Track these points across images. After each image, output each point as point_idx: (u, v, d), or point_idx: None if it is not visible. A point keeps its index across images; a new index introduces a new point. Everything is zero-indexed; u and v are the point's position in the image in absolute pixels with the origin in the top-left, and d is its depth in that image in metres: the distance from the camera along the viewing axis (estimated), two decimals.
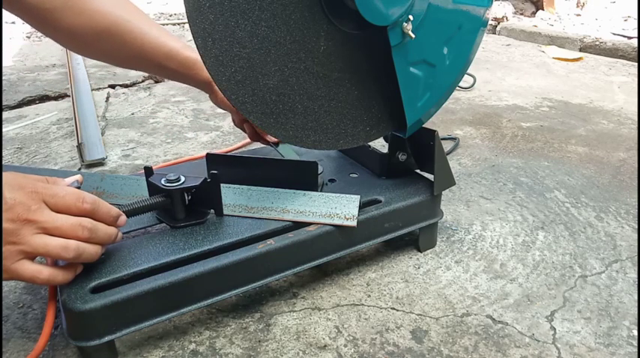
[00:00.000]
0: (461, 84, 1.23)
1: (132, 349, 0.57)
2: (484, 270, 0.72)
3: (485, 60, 2.14)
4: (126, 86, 1.67)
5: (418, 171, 0.76)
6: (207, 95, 0.85)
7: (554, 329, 0.61)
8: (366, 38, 0.60)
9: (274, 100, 0.57)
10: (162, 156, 1.10)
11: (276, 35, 0.54)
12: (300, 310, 0.64)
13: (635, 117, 1.40)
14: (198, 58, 0.73)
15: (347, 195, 0.66)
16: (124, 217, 0.55)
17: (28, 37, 2.58)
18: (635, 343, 0.59)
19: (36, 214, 0.46)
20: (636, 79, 1.85)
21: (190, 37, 0.50)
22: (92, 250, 0.50)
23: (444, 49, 0.64)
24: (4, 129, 1.26)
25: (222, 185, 0.62)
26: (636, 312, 0.64)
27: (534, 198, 0.93)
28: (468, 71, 0.74)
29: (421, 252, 0.76)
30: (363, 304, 0.65)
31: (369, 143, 0.73)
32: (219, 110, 1.39)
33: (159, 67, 0.75)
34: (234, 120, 0.89)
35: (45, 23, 0.68)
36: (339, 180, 0.74)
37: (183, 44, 0.76)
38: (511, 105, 1.51)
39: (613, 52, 2.24)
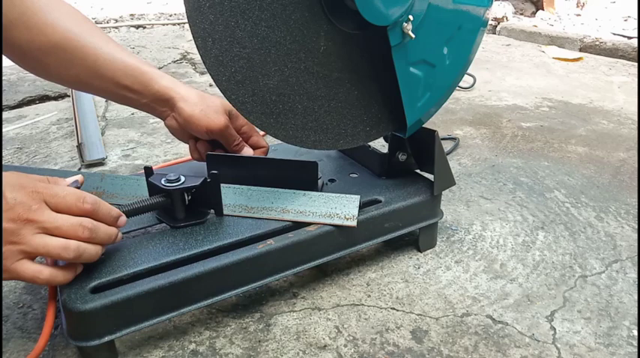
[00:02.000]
0: (461, 84, 1.23)
1: (132, 349, 0.57)
2: (484, 270, 0.72)
3: (486, 60, 2.14)
4: None
5: (418, 171, 0.76)
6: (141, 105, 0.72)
7: (554, 329, 0.61)
8: (366, 38, 0.60)
9: (274, 100, 0.57)
10: (162, 156, 1.10)
11: (276, 35, 0.54)
12: (300, 310, 0.64)
13: (635, 117, 1.40)
14: (155, 71, 0.69)
15: (347, 195, 0.66)
16: (124, 218, 0.55)
17: None
18: (635, 343, 0.59)
19: (36, 214, 0.46)
20: (636, 79, 1.85)
21: (190, 37, 0.50)
22: (92, 250, 0.50)
23: (444, 49, 0.64)
24: (4, 129, 1.26)
25: (222, 185, 0.62)
26: (636, 312, 0.64)
27: (534, 198, 0.93)
28: (468, 71, 0.74)
29: (421, 252, 0.76)
30: (363, 304, 0.65)
31: (369, 143, 0.73)
32: None
33: (114, 84, 0.68)
34: (191, 149, 0.75)
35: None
36: (339, 180, 0.74)
37: (140, 60, 0.70)
38: (511, 105, 1.51)
39: (613, 52, 2.24)
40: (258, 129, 0.69)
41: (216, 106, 0.70)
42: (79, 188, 0.52)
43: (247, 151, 0.74)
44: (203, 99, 0.70)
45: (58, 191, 0.48)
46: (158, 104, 0.71)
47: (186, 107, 0.69)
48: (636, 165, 1.08)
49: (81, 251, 0.48)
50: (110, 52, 0.67)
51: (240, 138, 0.73)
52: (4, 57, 0.67)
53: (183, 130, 0.72)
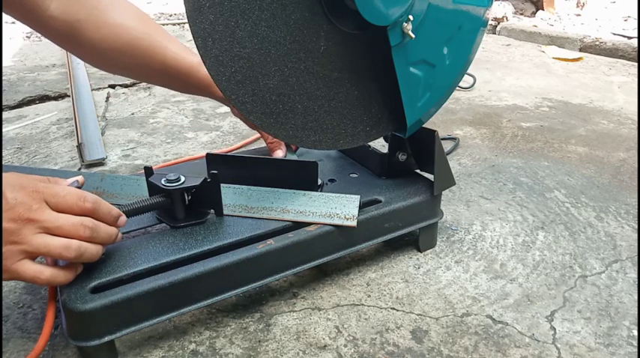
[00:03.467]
0: (461, 84, 1.23)
1: (132, 349, 0.57)
2: (484, 270, 0.72)
3: (486, 60, 2.14)
4: (126, 86, 1.67)
5: (418, 171, 0.76)
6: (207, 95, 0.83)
7: (554, 329, 0.61)
8: (366, 38, 0.60)
9: (274, 100, 0.57)
10: (162, 156, 1.10)
11: (276, 35, 0.54)
12: (300, 310, 0.64)
13: (635, 117, 1.40)
14: None
15: (347, 195, 0.66)
16: (124, 217, 0.55)
17: (28, 37, 2.58)
18: (635, 343, 0.59)
19: (37, 213, 0.46)
20: (636, 79, 1.85)
21: (190, 37, 0.50)
22: (93, 250, 0.50)
23: (444, 49, 0.64)
24: (4, 129, 1.26)
25: (222, 185, 0.62)
26: (636, 312, 0.64)
27: (534, 198, 0.93)
28: (468, 71, 0.74)
29: (421, 252, 0.76)
30: (363, 304, 0.65)
31: (369, 143, 0.73)
32: (220, 110, 1.40)
33: (180, 82, 0.75)
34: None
35: (67, 37, 0.67)
36: (339, 180, 0.74)
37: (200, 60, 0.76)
38: (511, 105, 1.51)
39: (613, 52, 2.24)
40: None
41: None
42: (79, 188, 0.52)
43: (279, 153, 0.79)
44: None
45: (58, 190, 0.48)
46: (221, 101, 0.81)
47: None
48: (636, 165, 1.08)
49: (82, 250, 0.48)
50: (175, 51, 0.73)
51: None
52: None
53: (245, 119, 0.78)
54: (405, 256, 0.75)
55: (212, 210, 0.64)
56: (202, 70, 0.74)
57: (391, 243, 0.76)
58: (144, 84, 1.69)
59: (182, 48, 0.74)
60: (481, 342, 0.59)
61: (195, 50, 0.52)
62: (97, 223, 0.50)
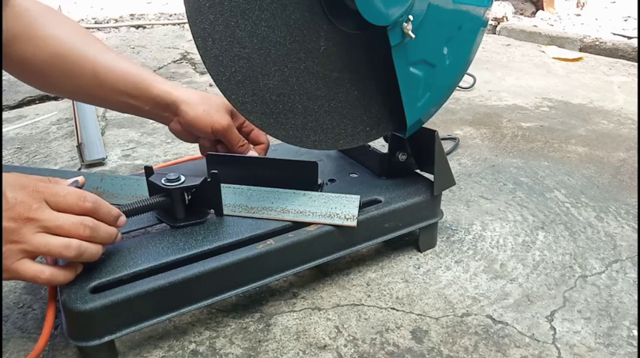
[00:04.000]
0: (461, 84, 1.23)
1: (132, 349, 0.57)
2: (484, 270, 0.72)
3: (486, 60, 2.14)
4: None
5: (418, 171, 0.76)
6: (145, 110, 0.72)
7: (554, 329, 0.61)
8: (366, 38, 0.60)
9: (274, 100, 0.57)
10: (162, 156, 1.10)
11: (276, 35, 0.54)
12: (300, 310, 0.64)
13: (635, 117, 1.40)
14: (155, 77, 0.70)
15: (347, 195, 0.66)
16: (123, 217, 0.54)
17: None
18: (635, 343, 0.59)
19: (37, 213, 0.46)
20: (636, 79, 1.85)
21: (190, 37, 0.50)
22: (93, 249, 0.50)
23: (444, 49, 0.64)
24: (4, 129, 1.26)
25: (222, 185, 0.62)
26: (636, 312, 0.64)
27: (534, 198, 0.93)
28: (468, 71, 0.74)
29: (421, 252, 0.76)
30: (363, 304, 0.65)
31: (369, 143, 0.73)
32: None
33: (114, 92, 0.68)
34: (202, 147, 0.75)
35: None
36: (339, 180, 0.74)
37: (139, 67, 0.71)
38: (511, 105, 1.51)
39: (613, 52, 2.24)
40: None
41: (217, 105, 0.70)
42: (80, 188, 0.52)
43: (252, 153, 0.75)
44: (204, 99, 0.70)
45: (58, 190, 0.48)
46: (160, 109, 0.70)
47: (188, 109, 0.69)
48: (636, 165, 1.08)
49: (82, 250, 0.48)
50: (108, 59, 0.68)
51: (245, 140, 0.74)
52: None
53: (189, 133, 0.72)
54: (405, 256, 0.75)
55: (212, 210, 0.64)
56: (137, 72, 0.68)
57: (391, 243, 0.76)
58: None
59: (117, 58, 0.69)
60: (481, 342, 0.59)
61: (196, 50, 0.52)
62: (98, 223, 0.50)
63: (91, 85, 0.68)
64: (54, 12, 0.69)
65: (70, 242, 0.47)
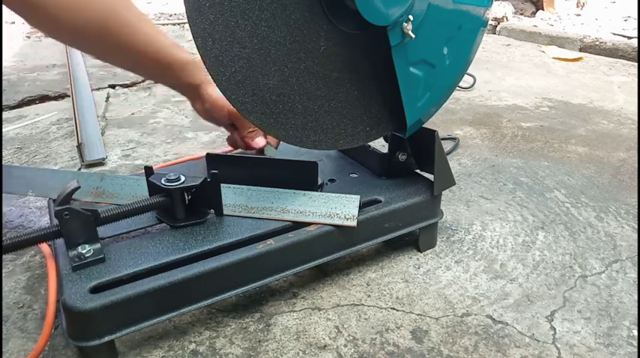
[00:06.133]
0: (461, 84, 1.23)
1: (132, 349, 0.57)
2: (484, 270, 0.72)
3: (486, 60, 2.14)
4: (126, 86, 1.67)
5: (418, 171, 0.76)
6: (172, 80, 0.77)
7: (554, 329, 0.61)
8: (366, 38, 0.60)
9: (274, 100, 0.57)
10: (163, 156, 1.10)
11: (276, 35, 0.54)
12: (300, 310, 0.64)
13: (635, 117, 1.40)
14: (190, 59, 0.72)
15: (347, 195, 0.66)
16: None
17: (28, 37, 2.58)
18: (635, 343, 0.59)
19: None
20: (636, 79, 1.85)
21: (190, 37, 0.50)
22: None
23: (444, 49, 0.64)
24: (4, 129, 1.26)
25: (222, 185, 0.62)
26: (636, 312, 0.64)
27: (534, 198, 0.93)
28: (468, 71, 0.74)
29: (421, 252, 0.76)
30: (363, 304, 0.65)
31: (369, 143, 0.73)
32: None
33: (147, 61, 0.71)
34: (231, 135, 0.79)
35: (31, 6, 0.64)
36: (339, 180, 0.74)
37: (173, 43, 0.73)
38: (511, 105, 1.51)
39: (613, 52, 2.24)
40: None
41: None
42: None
43: (260, 141, 0.76)
44: None
45: None
46: (185, 90, 0.75)
47: (211, 91, 0.73)
48: (636, 165, 1.08)
49: None
50: (147, 30, 0.70)
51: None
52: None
53: (210, 115, 0.76)
54: (405, 256, 0.75)
55: (212, 210, 0.64)
56: (174, 52, 0.71)
57: (391, 243, 0.76)
58: (144, 83, 1.69)
59: (156, 30, 0.71)
60: (481, 342, 0.59)
61: (196, 50, 0.52)
62: None
63: (125, 50, 0.69)
64: None
65: None
